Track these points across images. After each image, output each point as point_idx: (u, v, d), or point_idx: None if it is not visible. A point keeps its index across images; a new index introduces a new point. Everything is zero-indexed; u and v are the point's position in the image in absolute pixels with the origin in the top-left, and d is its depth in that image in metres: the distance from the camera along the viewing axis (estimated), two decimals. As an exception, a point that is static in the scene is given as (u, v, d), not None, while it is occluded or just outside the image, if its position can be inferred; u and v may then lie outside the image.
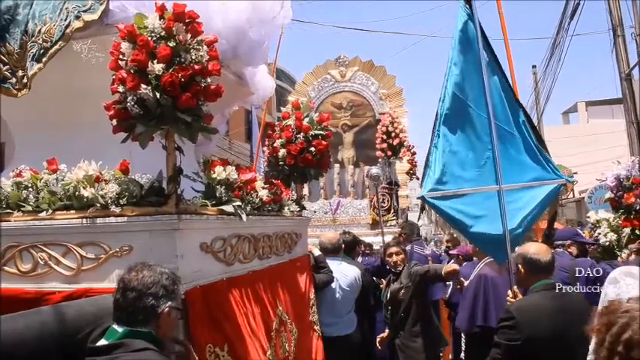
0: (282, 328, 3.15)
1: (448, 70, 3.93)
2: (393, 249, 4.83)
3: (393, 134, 8.06)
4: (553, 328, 2.73)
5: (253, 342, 2.64)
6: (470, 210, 3.78)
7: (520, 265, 3.08)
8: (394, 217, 8.09)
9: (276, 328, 3.07)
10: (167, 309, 1.93)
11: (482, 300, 4.59)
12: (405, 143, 8.16)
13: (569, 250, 5.18)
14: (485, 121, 3.77)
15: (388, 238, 7.01)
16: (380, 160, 8.31)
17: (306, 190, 8.68)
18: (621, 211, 5.17)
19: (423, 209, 4.04)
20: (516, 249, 3.46)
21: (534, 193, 3.83)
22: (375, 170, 7.56)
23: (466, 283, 5.39)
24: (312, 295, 4.06)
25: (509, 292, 3.38)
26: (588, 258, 5.20)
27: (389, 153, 8.07)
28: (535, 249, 3.08)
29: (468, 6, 3.95)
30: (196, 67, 2.30)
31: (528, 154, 3.88)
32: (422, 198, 3.85)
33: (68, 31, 2.89)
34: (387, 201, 8.12)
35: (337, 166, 8.79)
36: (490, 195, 3.75)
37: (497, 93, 3.86)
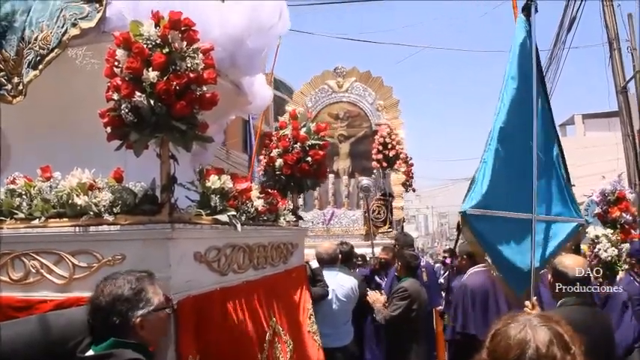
0: (275, 340, 3.10)
1: (505, 84, 3.74)
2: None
3: (389, 145, 8.03)
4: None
5: (243, 354, 2.60)
6: (501, 234, 3.59)
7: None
8: (390, 229, 8.04)
9: (269, 339, 3.03)
10: (139, 319, 1.90)
11: (461, 308, 4.59)
12: (401, 155, 8.13)
13: (634, 270, 4.73)
14: (529, 146, 3.59)
15: (379, 250, 7.02)
16: (375, 171, 8.29)
17: (300, 201, 8.71)
18: (607, 225, 5.17)
19: (459, 227, 3.83)
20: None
21: (557, 229, 3.71)
22: (365, 181, 7.56)
23: None
24: (309, 306, 4.00)
25: (528, 303, 3.29)
26: None
27: (384, 164, 8.02)
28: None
29: (528, 22, 3.75)
30: (192, 75, 2.28)
31: (557, 188, 3.76)
32: (463, 213, 3.59)
33: (65, 38, 2.88)
34: (383, 212, 8.08)
35: (332, 176, 8.77)
36: (518, 223, 3.57)
37: (542, 120, 3.71)
